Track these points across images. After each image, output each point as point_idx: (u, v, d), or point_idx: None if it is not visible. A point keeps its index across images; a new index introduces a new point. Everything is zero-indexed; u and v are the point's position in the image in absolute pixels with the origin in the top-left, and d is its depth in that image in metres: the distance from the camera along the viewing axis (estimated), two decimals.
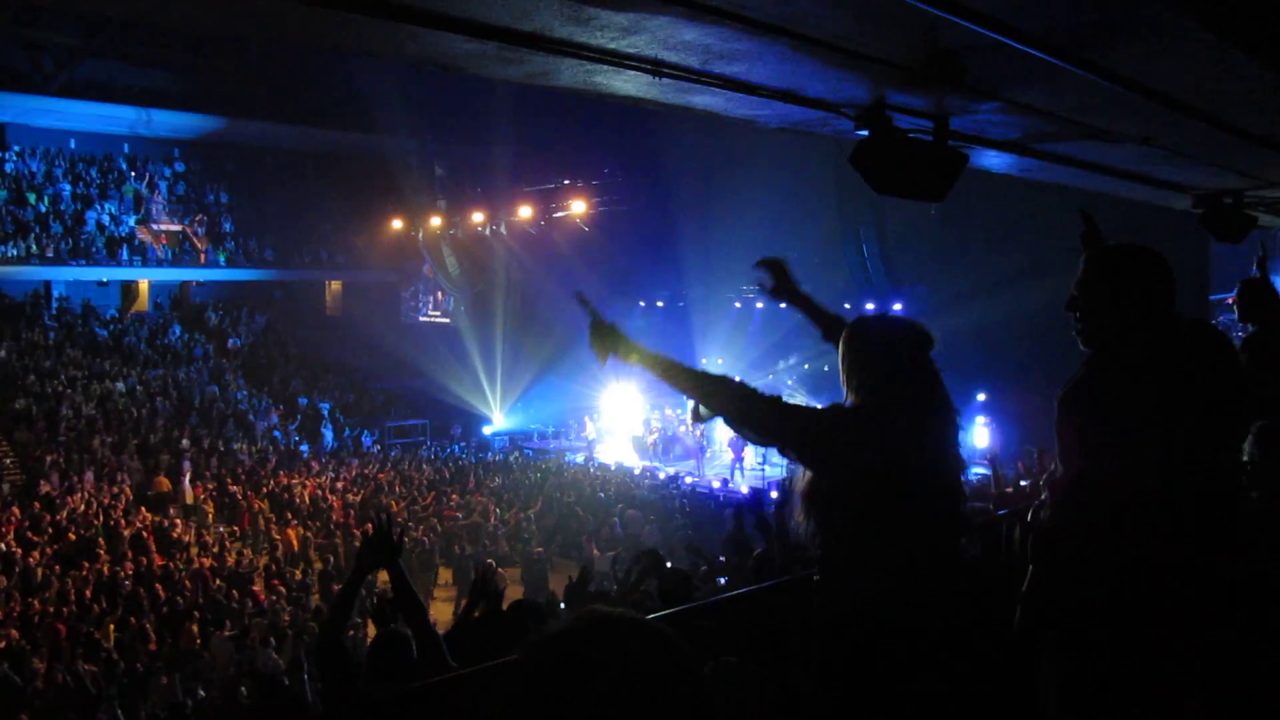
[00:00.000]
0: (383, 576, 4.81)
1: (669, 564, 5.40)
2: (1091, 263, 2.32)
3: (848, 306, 25.97)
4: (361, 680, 3.49)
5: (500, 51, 3.01)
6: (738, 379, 2.34)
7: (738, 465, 23.19)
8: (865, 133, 3.79)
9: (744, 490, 18.95)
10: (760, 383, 2.46)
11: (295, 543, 16.86)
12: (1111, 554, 2.06)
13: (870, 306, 25.20)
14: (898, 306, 25.08)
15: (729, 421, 2.34)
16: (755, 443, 2.42)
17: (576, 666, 1.02)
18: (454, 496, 19.21)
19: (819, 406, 2.38)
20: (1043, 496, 2.41)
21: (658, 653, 1.04)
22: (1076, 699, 2.14)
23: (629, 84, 3.43)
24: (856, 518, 2.28)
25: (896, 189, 3.88)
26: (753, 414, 2.32)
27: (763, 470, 22.50)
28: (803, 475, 2.35)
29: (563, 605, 6.89)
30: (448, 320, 33.90)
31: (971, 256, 22.33)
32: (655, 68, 3.06)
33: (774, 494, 15.96)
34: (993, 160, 4.97)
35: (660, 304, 30.21)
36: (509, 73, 3.28)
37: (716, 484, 20.95)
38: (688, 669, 1.04)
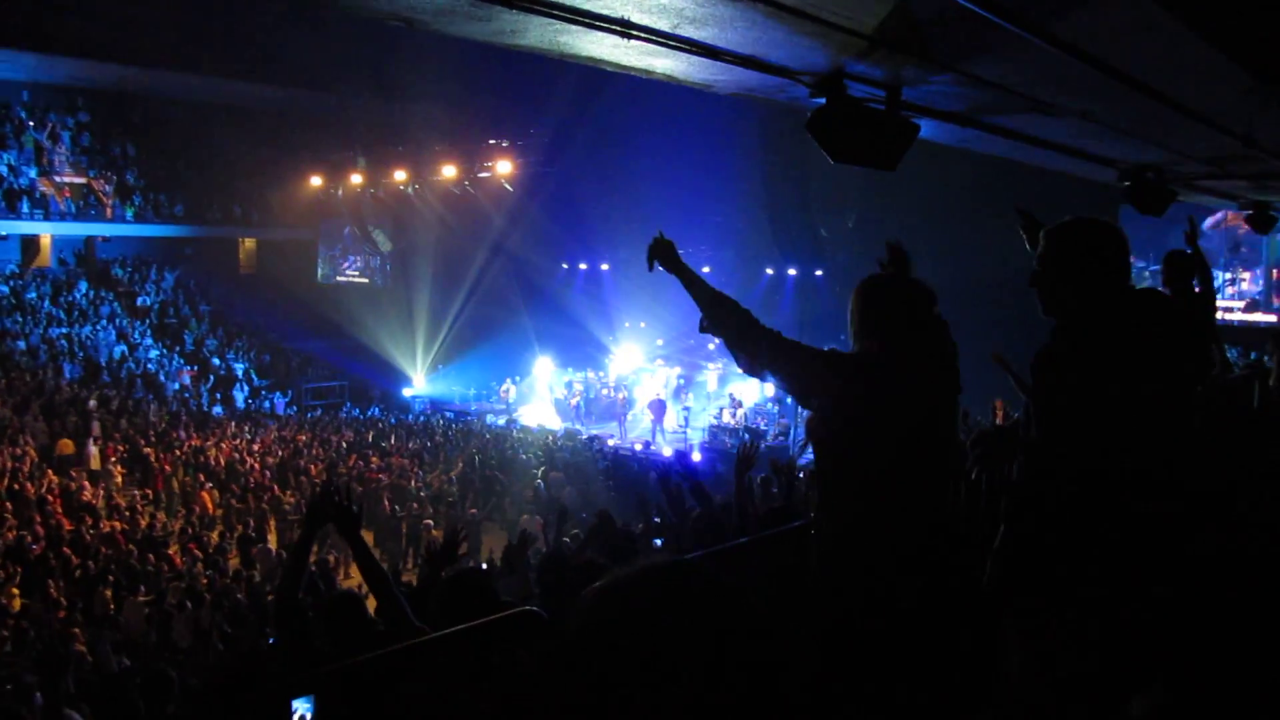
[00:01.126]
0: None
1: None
2: (1053, 237, 2.37)
3: (770, 272, 26.32)
4: (318, 640, 3.50)
5: (470, 7, 2.94)
6: (745, 308, 2.43)
7: (658, 428, 22.98)
8: (822, 100, 3.79)
9: (666, 453, 19.15)
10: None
11: (211, 506, 16.44)
12: (1082, 513, 2.12)
13: (792, 272, 25.75)
14: (819, 273, 25.40)
15: (727, 343, 2.42)
16: (747, 370, 2.47)
17: (660, 615, 1.04)
18: (374, 459, 18.91)
19: (821, 349, 2.42)
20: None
21: (735, 604, 1.07)
22: (1038, 656, 2.20)
23: (595, 46, 3.39)
24: (857, 467, 2.34)
25: (851, 156, 3.89)
26: (749, 338, 2.39)
27: (684, 434, 22.50)
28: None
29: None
30: (368, 280, 33.29)
31: (894, 226, 22.68)
32: (625, 29, 3.01)
33: (695, 457, 16.55)
34: (934, 131, 4.99)
35: (583, 266, 30.05)
36: (474, 30, 3.22)
37: (639, 446, 20.86)
38: (763, 620, 1.06)
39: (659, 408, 23.22)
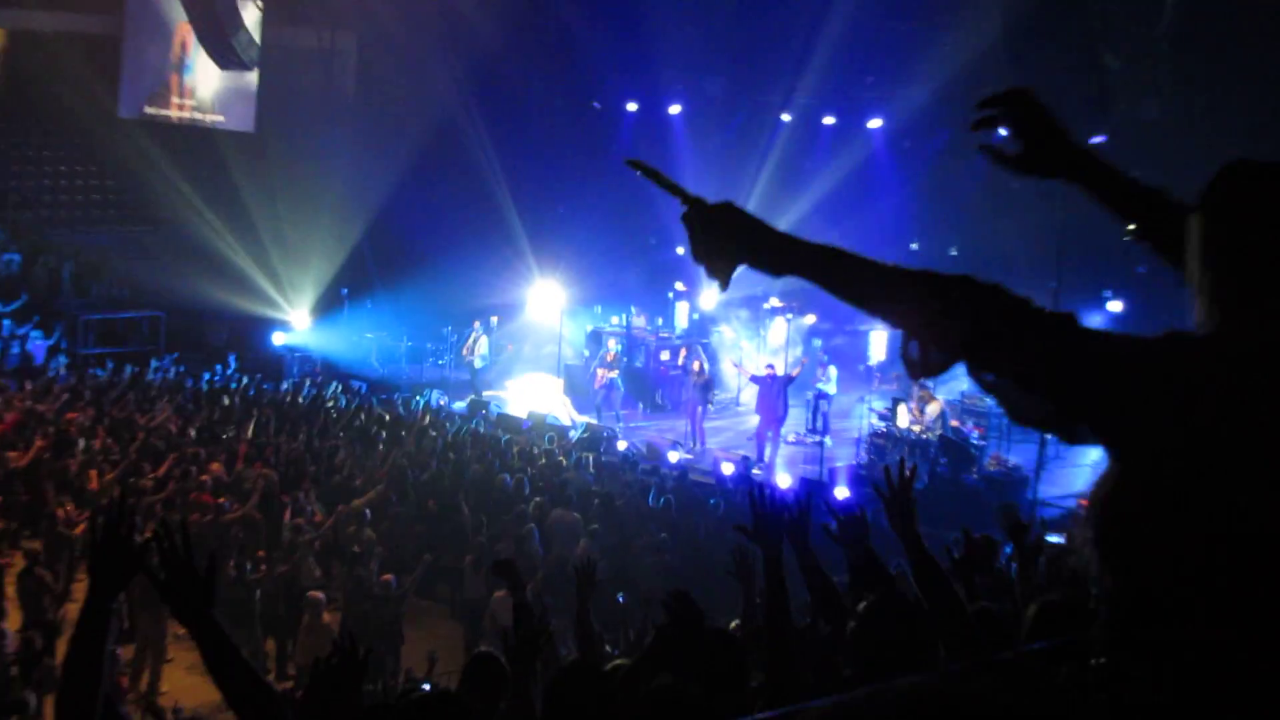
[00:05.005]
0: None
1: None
2: (1235, 199, 2.08)
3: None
4: None
5: None
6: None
7: (770, 434, 20.86)
8: None
9: (784, 483, 18.05)
10: None
11: None
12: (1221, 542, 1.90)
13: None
14: None
15: (964, 346, 2.12)
16: (988, 389, 2.23)
17: None
18: (214, 465, 17.47)
19: (1134, 336, 2.08)
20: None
21: None
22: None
23: None
24: (1234, 572, 1.94)
25: None
26: (1010, 325, 2.07)
27: (819, 443, 21.21)
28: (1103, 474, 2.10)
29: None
30: (220, 120, 32.44)
31: None
32: None
33: (841, 492, 17.47)
34: None
35: (633, 108, 30.33)
36: None
37: (729, 466, 19.00)
38: None
39: (773, 392, 20.88)
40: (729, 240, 2.30)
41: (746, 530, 4.64)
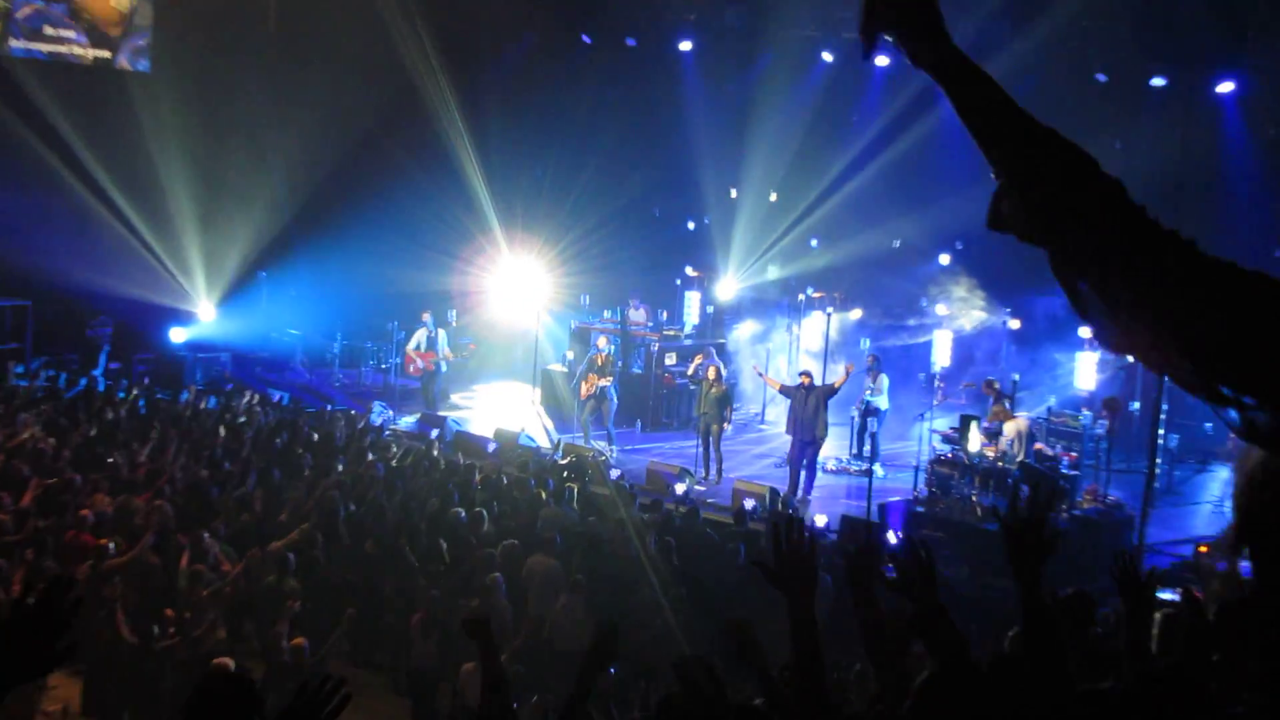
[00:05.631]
0: None
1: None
2: None
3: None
4: None
5: None
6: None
7: (806, 463, 21.06)
8: None
9: (817, 521, 18.71)
10: None
11: None
12: None
13: None
14: None
15: (1061, 250, 2.29)
16: (1100, 318, 2.29)
17: None
18: (97, 497, 17.38)
19: None
20: None
21: None
22: None
23: None
24: None
25: None
26: (1124, 238, 2.24)
27: (866, 470, 21.26)
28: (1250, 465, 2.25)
29: None
30: (96, 57, 32.07)
31: None
32: None
33: (894, 537, 18.38)
34: None
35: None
36: None
37: (752, 503, 19.44)
38: None
39: (808, 407, 20.99)
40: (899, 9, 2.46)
41: (768, 569, 4.62)
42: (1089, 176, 2.32)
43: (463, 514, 17.33)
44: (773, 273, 30.65)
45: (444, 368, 26.94)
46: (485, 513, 17.75)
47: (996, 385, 21.67)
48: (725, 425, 23.02)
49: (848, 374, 21.68)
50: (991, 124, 2.41)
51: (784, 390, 22.07)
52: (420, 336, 26.77)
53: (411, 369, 27.03)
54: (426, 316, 26.79)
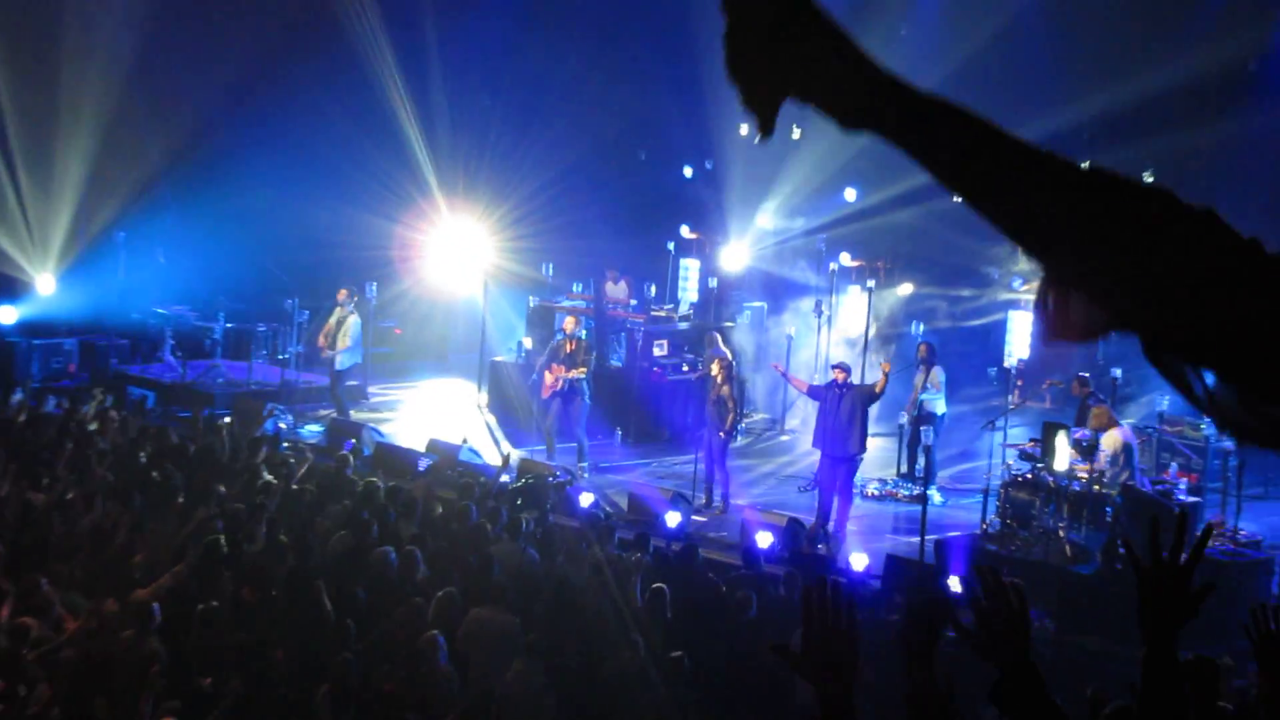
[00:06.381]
0: None
1: None
2: None
3: None
4: None
5: None
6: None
7: (840, 486, 21.33)
8: None
9: (854, 564, 19.23)
10: None
11: None
12: None
13: None
14: None
15: (1151, 304, 2.24)
16: (1188, 392, 2.25)
17: None
18: None
19: None
20: None
21: None
22: None
23: None
24: None
25: None
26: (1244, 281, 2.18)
27: (918, 495, 22.31)
28: None
29: None
30: None
31: None
32: None
33: (955, 583, 18.75)
34: None
35: None
36: None
37: (768, 539, 19.81)
38: None
39: (842, 413, 21.36)
40: (783, 43, 2.32)
41: (788, 655, 4.60)
42: (1170, 220, 2.20)
43: (390, 553, 17.26)
44: (798, 227, 30.69)
45: (345, 361, 26.98)
46: (415, 550, 17.52)
47: (1089, 385, 21.73)
48: (736, 435, 23.38)
49: (886, 376, 21.67)
50: (1011, 188, 2.29)
51: (812, 392, 22.03)
52: (332, 320, 26.78)
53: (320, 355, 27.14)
54: (343, 295, 26.80)
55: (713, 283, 28.68)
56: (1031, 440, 21.13)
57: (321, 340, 27.17)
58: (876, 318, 25.78)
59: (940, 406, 23.44)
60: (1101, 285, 2.23)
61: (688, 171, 33.04)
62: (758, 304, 28.34)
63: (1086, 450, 19.75)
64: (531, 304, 27.93)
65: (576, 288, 28.41)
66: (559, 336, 25.25)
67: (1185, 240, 2.17)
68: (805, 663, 4.62)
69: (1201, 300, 2.17)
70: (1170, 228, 2.16)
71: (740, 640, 16.22)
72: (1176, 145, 26.50)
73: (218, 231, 30.05)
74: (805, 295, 27.78)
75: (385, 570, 17.06)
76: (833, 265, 27.82)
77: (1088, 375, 22.15)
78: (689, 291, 28.98)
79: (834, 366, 21.95)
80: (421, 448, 23.48)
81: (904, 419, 23.56)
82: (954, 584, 17.96)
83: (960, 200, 2.25)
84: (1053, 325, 2.27)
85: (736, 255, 29.54)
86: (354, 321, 26.89)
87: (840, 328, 26.93)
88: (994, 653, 4.88)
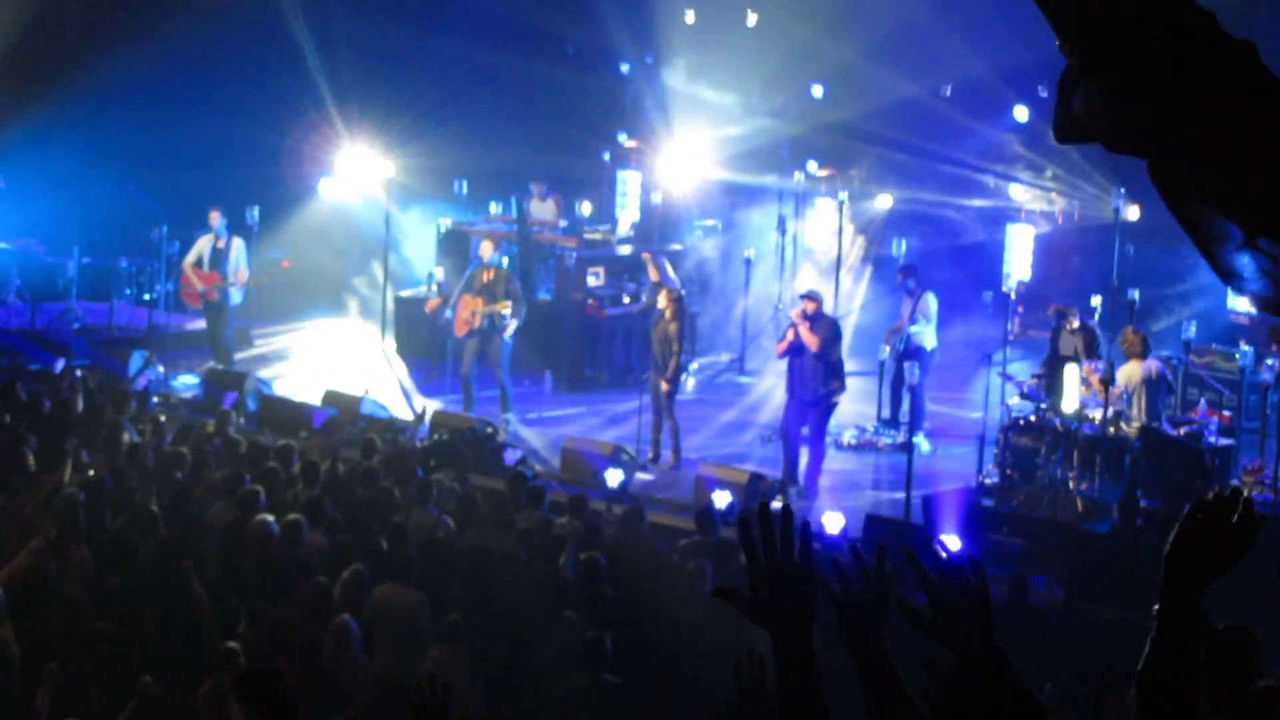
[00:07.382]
0: None
1: None
2: None
3: None
4: None
5: None
6: None
7: (810, 433, 21.93)
8: None
9: (833, 528, 19.26)
10: None
11: None
12: None
13: None
14: None
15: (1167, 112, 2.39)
16: (1179, 207, 2.50)
17: None
18: None
19: None
20: None
21: None
22: None
23: None
24: None
25: None
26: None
27: (902, 443, 22.85)
28: None
29: None
30: None
31: None
32: None
33: (952, 543, 18.10)
34: None
35: None
36: None
37: (724, 498, 20.20)
38: None
39: (812, 351, 21.76)
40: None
41: (739, 597, 4.59)
42: (1206, 38, 2.28)
43: (269, 523, 17.37)
44: (757, 130, 30.54)
45: (236, 297, 26.61)
46: (304, 521, 17.69)
47: (1075, 314, 21.90)
48: (685, 378, 23.32)
49: (795, 330, 21.54)
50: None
51: (790, 349, 21.97)
52: (203, 247, 26.52)
53: (187, 297, 26.95)
54: (215, 218, 26.54)
55: (656, 198, 28.69)
56: (1035, 376, 21.17)
57: (189, 271, 27.31)
58: (852, 235, 25.87)
59: (930, 340, 23.42)
60: (1127, 92, 2.34)
61: (625, 68, 33.04)
62: (710, 222, 28.32)
63: (1100, 386, 19.73)
64: (442, 228, 28.01)
65: (495, 208, 28.45)
66: (475, 265, 24.99)
67: (1198, 50, 2.33)
68: (756, 605, 4.59)
69: (1199, 105, 2.33)
70: (1195, 38, 2.31)
71: (693, 617, 16.27)
72: None
73: (71, 151, 29.97)
74: (766, 209, 27.86)
75: (267, 544, 17.19)
76: (798, 175, 27.92)
77: (1068, 305, 22.45)
78: (629, 209, 28.97)
79: (802, 296, 21.88)
80: (317, 401, 23.41)
81: (884, 353, 23.45)
82: (951, 542, 17.31)
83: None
84: (1069, 120, 2.41)
85: (684, 166, 29.41)
86: (241, 245, 26.48)
87: (811, 248, 26.88)
88: (950, 637, 4.73)
